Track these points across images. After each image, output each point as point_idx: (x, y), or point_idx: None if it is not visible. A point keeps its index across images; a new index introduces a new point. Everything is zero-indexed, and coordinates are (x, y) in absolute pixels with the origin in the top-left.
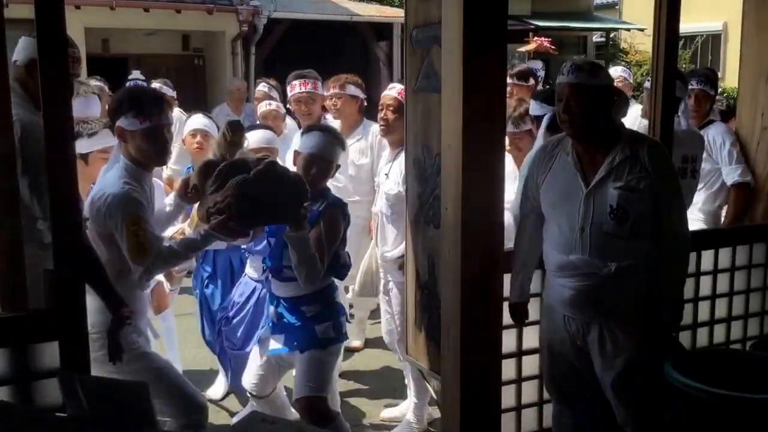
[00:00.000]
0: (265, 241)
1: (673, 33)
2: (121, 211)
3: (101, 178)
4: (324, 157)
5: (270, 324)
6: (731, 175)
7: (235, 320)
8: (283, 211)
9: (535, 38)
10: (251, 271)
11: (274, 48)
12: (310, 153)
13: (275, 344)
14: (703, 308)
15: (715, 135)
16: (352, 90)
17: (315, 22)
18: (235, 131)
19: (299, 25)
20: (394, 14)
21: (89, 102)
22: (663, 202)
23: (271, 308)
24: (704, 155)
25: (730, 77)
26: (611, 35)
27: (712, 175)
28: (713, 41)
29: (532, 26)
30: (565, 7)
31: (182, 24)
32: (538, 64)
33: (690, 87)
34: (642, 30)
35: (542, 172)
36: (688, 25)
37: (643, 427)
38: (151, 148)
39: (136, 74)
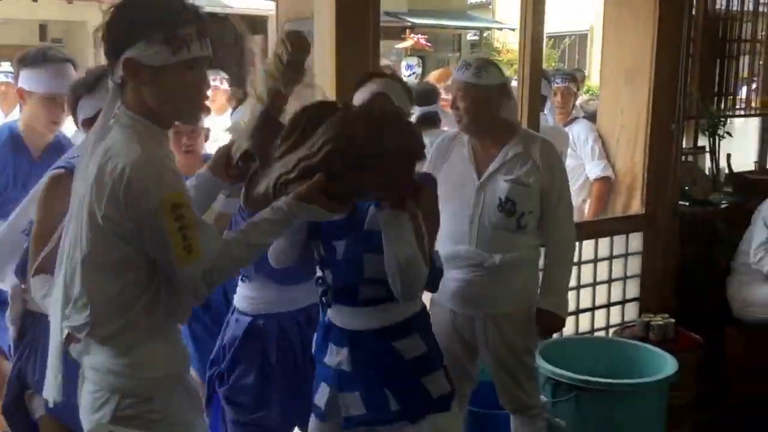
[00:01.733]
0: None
1: (538, 33)
2: (153, 189)
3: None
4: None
5: (331, 376)
6: (594, 170)
7: (232, 376)
8: (395, 174)
9: (412, 35)
10: (246, 303)
11: None
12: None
13: (353, 407)
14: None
15: (579, 132)
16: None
17: None
18: (300, 44)
19: None
20: (269, 8)
21: None
22: (551, 198)
23: (339, 352)
24: (569, 151)
25: (595, 76)
26: (485, 34)
27: (576, 171)
28: (580, 42)
29: (408, 23)
30: (440, 5)
31: (39, 13)
32: (414, 61)
33: (555, 85)
34: (513, 30)
35: (439, 163)
36: (557, 25)
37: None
38: (187, 93)
39: (5, 66)
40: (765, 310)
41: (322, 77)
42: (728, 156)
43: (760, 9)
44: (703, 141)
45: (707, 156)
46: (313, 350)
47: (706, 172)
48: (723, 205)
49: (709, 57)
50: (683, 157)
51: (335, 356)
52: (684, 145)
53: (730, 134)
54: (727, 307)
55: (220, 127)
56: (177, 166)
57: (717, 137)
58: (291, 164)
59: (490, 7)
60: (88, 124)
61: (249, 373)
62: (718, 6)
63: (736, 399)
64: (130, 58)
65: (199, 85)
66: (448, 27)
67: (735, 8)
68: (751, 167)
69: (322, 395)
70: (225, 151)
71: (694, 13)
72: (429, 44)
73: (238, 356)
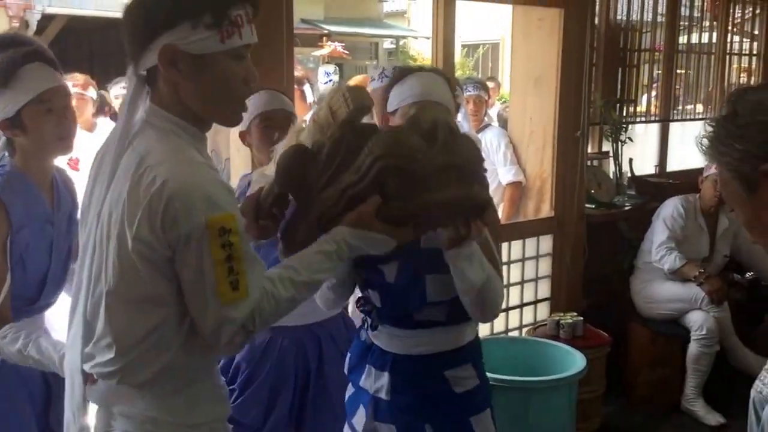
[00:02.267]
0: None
1: (450, 42)
2: (200, 207)
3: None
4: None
5: (368, 401)
6: (506, 175)
7: (245, 393)
8: (458, 195)
9: (329, 43)
10: None
11: (49, 46)
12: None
13: None
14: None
15: (491, 138)
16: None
17: (95, 18)
18: (362, 107)
19: (78, 22)
20: None
21: None
22: None
23: (379, 377)
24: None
25: (508, 84)
26: (401, 42)
27: (489, 176)
28: (494, 50)
29: (325, 31)
30: (356, 13)
31: None
32: (331, 68)
33: (467, 93)
34: (428, 38)
35: None
36: (471, 34)
37: None
38: (232, 90)
39: None
40: (666, 306)
41: None
42: (630, 160)
43: (659, 20)
44: (607, 146)
45: (611, 160)
46: (345, 368)
47: (610, 176)
48: (626, 207)
49: (612, 66)
50: (589, 162)
51: (374, 381)
52: (589, 151)
53: (631, 139)
54: (631, 304)
55: (89, 147)
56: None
57: (620, 143)
58: (335, 196)
59: (405, 15)
60: (6, 126)
61: (261, 390)
62: (619, 17)
63: (640, 391)
64: (170, 44)
65: (247, 80)
66: (365, 35)
67: (635, 19)
68: (652, 171)
69: (359, 418)
70: (251, 203)
71: (597, 23)
72: (346, 52)
73: (254, 374)
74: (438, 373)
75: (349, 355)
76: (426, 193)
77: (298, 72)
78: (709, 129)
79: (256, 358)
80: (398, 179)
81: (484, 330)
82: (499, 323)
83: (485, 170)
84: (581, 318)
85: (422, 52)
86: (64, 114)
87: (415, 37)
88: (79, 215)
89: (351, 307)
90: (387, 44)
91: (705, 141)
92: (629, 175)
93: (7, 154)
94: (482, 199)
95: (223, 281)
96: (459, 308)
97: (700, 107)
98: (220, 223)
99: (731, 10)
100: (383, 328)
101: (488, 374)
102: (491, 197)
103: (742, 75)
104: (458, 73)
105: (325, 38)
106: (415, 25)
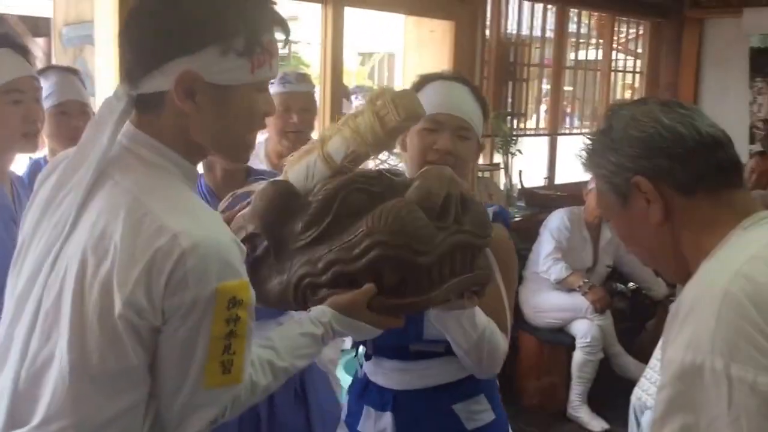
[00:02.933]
0: None
1: (338, 49)
2: (215, 272)
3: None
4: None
5: None
6: None
7: None
8: (463, 281)
9: None
10: None
11: None
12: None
13: None
14: None
15: None
16: None
17: None
18: (413, 113)
19: None
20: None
21: None
22: None
23: (380, 418)
24: None
25: None
26: (293, 48)
27: None
28: (389, 60)
29: None
30: None
31: None
32: None
33: (358, 102)
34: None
35: None
36: (368, 43)
37: None
38: (250, 126)
39: None
40: (553, 315)
41: (103, 85)
42: (520, 172)
43: (547, 35)
44: (498, 158)
45: (502, 172)
46: (343, 416)
47: (501, 187)
48: (516, 219)
49: (502, 80)
50: (480, 173)
51: (374, 423)
52: (480, 162)
53: (521, 152)
54: (520, 313)
55: None
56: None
57: (510, 155)
58: (320, 263)
59: (297, 20)
60: None
61: None
62: (509, 31)
63: (529, 398)
64: (192, 72)
65: (268, 114)
66: None
67: (525, 34)
68: (542, 183)
69: None
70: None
71: (488, 37)
72: None
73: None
74: (446, 407)
75: (347, 398)
76: (426, 291)
77: None
78: (588, 142)
79: None
80: (397, 273)
81: None
82: None
83: (489, 235)
84: None
85: (316, 59)
86: (33, 108)
87: (309, 43)
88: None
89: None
90: (279, 49)
91: (584, 153)
92: (519, 186)
93: None
94: (485, 279)
95: (214, 360)
96: None
97: (587, 122)
98: (232, 293)
99: (616, 29)
100: (379, 361)
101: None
102: (491, 270)
103: (626, 91)
104: (350, 82)
105: None
106: (306, 31)
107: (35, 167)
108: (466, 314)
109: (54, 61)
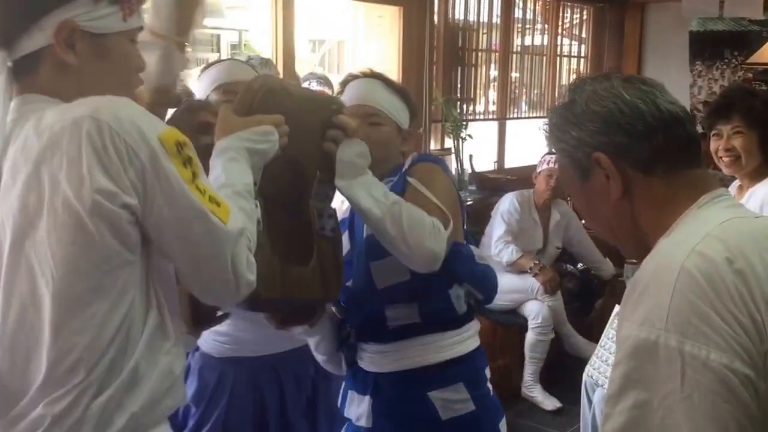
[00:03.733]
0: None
1: (289, 36)
2: (147, 130)
3: None
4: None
5: None
6: None
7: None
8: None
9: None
10: (211, 341)
11: None
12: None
13: None
14: None
15: None
16: None
17: None
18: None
19: None
20: None
21: None
22: None
23: (360, 402)
24: None
25: None
26: (243, 35)
27: None
28: (340, 47)
29: None
30: None
31: None
32: None
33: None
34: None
35: None
36: (319, 30)
37: None
38: (128, 79)
39: None
40: (505, 297)
41: None
42: (471, 157)
43: (494, 21)
44: (449, 143)
45: (453, 157)
46: (339, 401)
47: (453, 171)
48: (468, 203)
49: (451, 65)
50: None
51: (356, 407)
52: (432, 147)
53: (471, 137)
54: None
55: None
56: None
57: (460, 139)
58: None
59: (246, 9)
60: None
61: None
62: (457, 17)
63: None
64: (69, 20)
65: (139, 68)
66: (205, 27)
67: (472, 20)
68: (492, 167)
69: None
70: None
71: (436, 23)
72: (186, 44)
73: (205, 415)
74: (421, 393)
75: (343, 385)
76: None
77: None
78: (551, 116)
79: (207, 396)
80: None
81: None
82: None
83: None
84: None
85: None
86: None
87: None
88: None
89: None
90: (230, 37)
91: (546, 127)
92: (470, 171)
93: None
94: (331, 101)
95: (206, 201)
96: (432, 304)
97: (534, 107)
98: (174, 138)
99: (561, 14)
100: (365, 346)
101: None
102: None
103: (572, 75)
104: (302, 69)
105: None
106: (256, 18)
107: None
108: (372, 183)
109: None
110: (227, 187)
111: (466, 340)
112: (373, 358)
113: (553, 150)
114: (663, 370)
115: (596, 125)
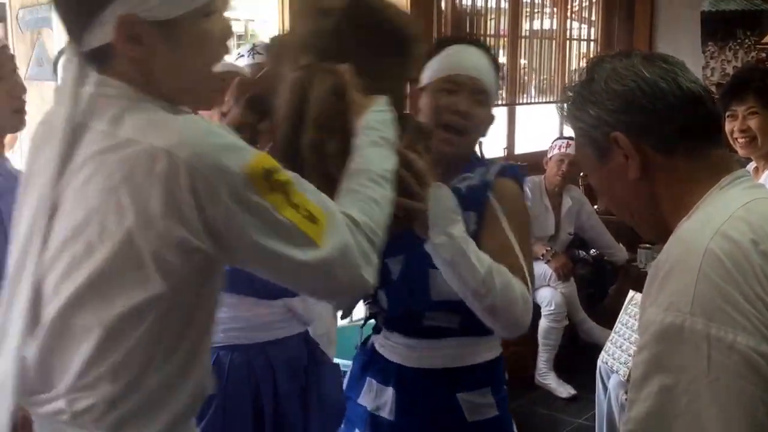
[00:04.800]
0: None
1: None
2: (228, 164)
3: None
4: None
5: (365, 420)
6: None
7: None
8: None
9: None
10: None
11: None
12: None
13: None
14: None
15: None
16: None
17: None
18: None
19: None
20: None
21: None
22: None
23: (381, 393)
24: None
25: None
26: (248, 25)
27: None
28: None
29: None
30: None
31: None
32: None
33: None
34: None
35: None
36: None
37: None
38: (209, 57)
39: None
40: None
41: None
42: (480, 143)
43: (502, 5)
44: None
45: None
46: (344, 385)
47: None
48: None
49: None
50: None
51: (374, 397)
52: None
53: None
54: None
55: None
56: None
57: None
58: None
59: None
60: None
61: (216, 421)
62: (465, 2)
63: None
64: (127, 14)
65: (226, 38)
66: None
67: (480, 5)
68: (501, 153)
69: None
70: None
71: (443, 8)
72: None
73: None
74: (449, 394)
75: (349, 369)
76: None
77: None
78: (569, 94)
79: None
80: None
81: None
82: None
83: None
84: None
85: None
86: (14, 80)
87: (265, 21)
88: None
89: (312, 329)
90: (236, 27)
91: (564, 105)
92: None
93: None
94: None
95: (302, 223)
96: (475, 319)
97: (543, 93)
98: (260, 166)
99: None
100: (390, 335)
101: (340, 360)
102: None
103: (582, 60)
104: None
105: None
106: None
107: None
108: (469, 247)
109: (12, 46)
110: (362, 174)
111: (495, 346)
112: (397, 349)
113: (570, 128)
114: (689, 354)
115: (615, 104)
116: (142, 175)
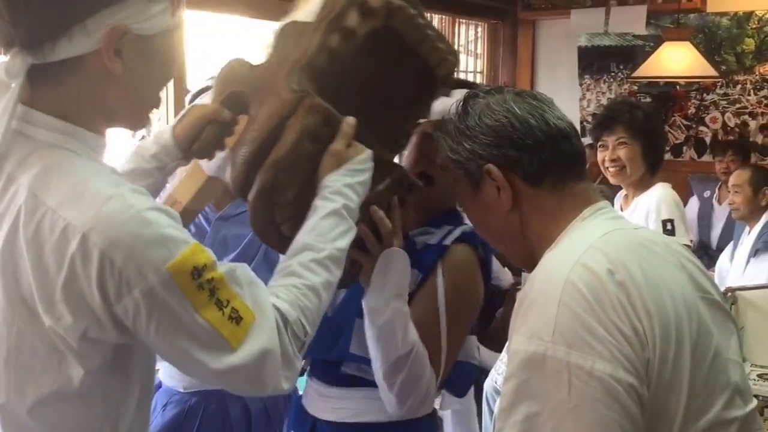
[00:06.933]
0: None
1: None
2: (150, 260)
3: None
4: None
5: None
6: None
7: None
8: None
9: None
10: (176, 373)
11: None
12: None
13: None
14: None
15: None
16: None
17: None
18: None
19: None
20: None
21: None
22: None
23: None
24: None
25: None
26: None
27: None
28: None
29: None
30: None
31: None
32: None
33: None
34: None
35: None
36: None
37: None
38: (168, 74)
39: None
40: None
41: None
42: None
43: None
44: None
45: None
46: None
47: None
48: None
49: None
50: None
51: None
52: None
53: None
54: None
55: None
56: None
57: None
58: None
59: None
60: None
61: None
62: None
63: None
64: (121, 26)
65: (183, 58)
66: None
67: None
68: None
69: None
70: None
71: None
72: None
73: None
74: None
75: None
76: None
77: None
78: (445, 125)
79: (166, 416)
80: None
81: None
82: None
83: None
84: None
85: None
86: None
87: None
88: None
89: None
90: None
91: (440, 138)
92: None
93: None
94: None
95: (222, 325)
96: None
97: None
98: (190, 264)
99: (457, 31)
100: (309, 380)
101: None
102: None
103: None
104: None
105: None
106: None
107: None
108: (403, 321)
109: None
110: (310, 252)
111: (423, 402)
112: (314, 401)
113: (447, 160)
114: (551, 381)
115: (489, 138)
116: (53, 252)
